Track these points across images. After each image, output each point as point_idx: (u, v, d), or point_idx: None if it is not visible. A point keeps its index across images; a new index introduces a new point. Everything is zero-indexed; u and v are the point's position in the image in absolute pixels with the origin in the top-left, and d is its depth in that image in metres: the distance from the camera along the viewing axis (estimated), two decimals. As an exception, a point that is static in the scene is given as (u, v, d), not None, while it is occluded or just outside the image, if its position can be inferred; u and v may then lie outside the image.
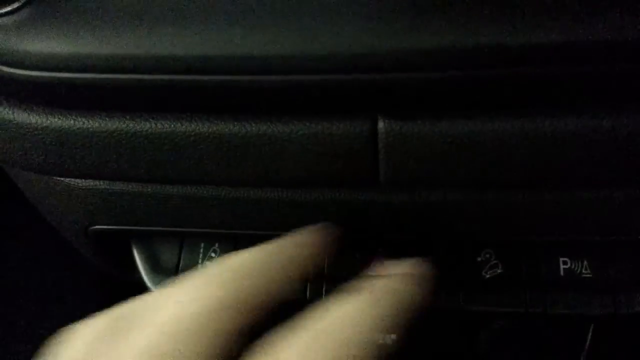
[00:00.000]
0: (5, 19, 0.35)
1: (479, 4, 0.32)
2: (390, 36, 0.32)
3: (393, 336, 0.67)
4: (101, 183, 0.45)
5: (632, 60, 0.31)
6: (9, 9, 0.35)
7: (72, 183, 0.45)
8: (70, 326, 0.29)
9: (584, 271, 0.49)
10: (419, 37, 0.32)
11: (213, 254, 0.52)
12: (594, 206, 0.41)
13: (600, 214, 0.42)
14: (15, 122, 0.39)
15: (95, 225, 0.49)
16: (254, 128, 0.38)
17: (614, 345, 0.63)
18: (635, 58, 0.31)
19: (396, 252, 0.52)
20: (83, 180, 0.45)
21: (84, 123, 0.38)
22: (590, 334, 0.59)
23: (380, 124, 0.37)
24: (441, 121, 0.36)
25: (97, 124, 0.39)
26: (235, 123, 0.38)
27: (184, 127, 0.38)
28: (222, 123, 0.38)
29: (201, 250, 0.52)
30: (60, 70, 0.35)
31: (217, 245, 0.52)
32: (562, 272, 0.49)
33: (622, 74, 0.32)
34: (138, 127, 0.38)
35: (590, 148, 0.36)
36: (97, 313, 0.29)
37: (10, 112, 0.39)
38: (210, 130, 0.38)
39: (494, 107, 0.36)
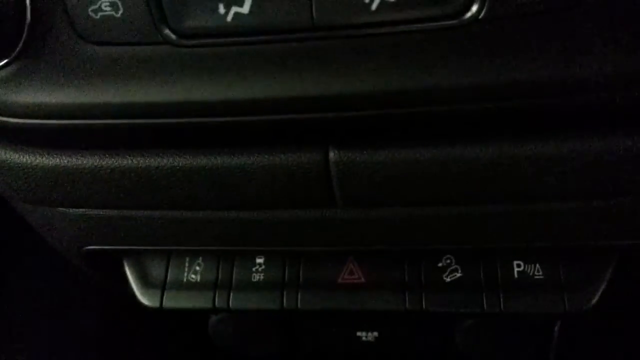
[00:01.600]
0: None
1: (415, 51, 0.36)
2: (338, 83, 0.36)
3: (375, 334, 0.71)
4: (92, 210, 0.50)
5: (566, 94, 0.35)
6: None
7: (65, 211, 0.50)
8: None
9: (536, 273, 0.53)
10: (361, 80, 0.36)
11: (197, 267, 0.57)
12: (545, 217, 0.45)
13: (551, 223, 0.46)
14: (10, 162, 0.44)
15: (88, 246, 0.54)
16: (221, 161, 0.42)
17: (580, 339, 0.67)
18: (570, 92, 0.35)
19: (365, 259, 0.57)
20: (75, 208, 0.50)
21: (69, 161, 0.43)
22: (557, 329, 0.63)
23: (331, 154, 0.41)
24: (386, 150, 0.41)
25: (82, 162, 0.43)
26: (206, 157, 0.42)
27: (160, 162, 0.43)
28: (194, 158, 0.42)
29: (186, 265, 0.57)
30: (46, 118, 0.40)
31: (200, 259, 0.57)
32: (516, 275, 0.53)
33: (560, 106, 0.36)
34: (117, 163, 0.43)
35: (536, 168, 0.40)
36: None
37: (5, 154, 0.44)
38: (183, 164, 0.43)
39: (432, 136, 0.40)
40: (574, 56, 0.33)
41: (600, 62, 0.33)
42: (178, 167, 0.43)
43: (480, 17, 0.34)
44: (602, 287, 0.52)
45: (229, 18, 0.35)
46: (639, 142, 0.38)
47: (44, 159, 0.44)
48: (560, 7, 0.33)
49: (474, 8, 0.34)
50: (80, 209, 0.50)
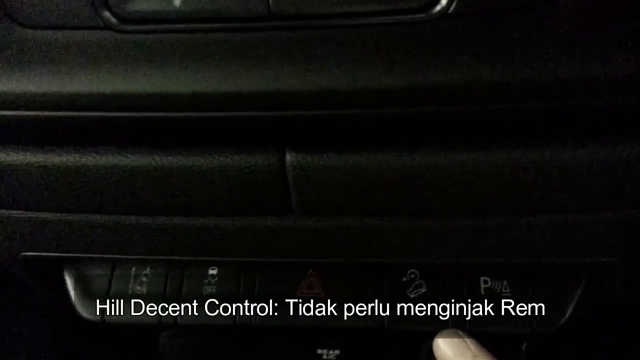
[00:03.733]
0: None
1: (379, 46, 0.33)
2: (293, 78, 0.33)
3: (337, 352, 0.68)
4: (27, 213, 0.45)
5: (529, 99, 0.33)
6: None
7: None
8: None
9: (503, 290, 0.51)
10: (318, 80, 0.33)
11: (144, 278, 0.53)
12: (512, 231, 0.43)
13: (520, 239, 0.44)
14: None
15: (24, 252, 0.49)
16: (167, 161, 0.39)
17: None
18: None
19: (325, 272, 0.54)
20: (8, 210, 0.45)
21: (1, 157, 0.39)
22: (524, 350, 0.61)
23: (288, 157, 0.38)
24: (347, 154, 0.38)
25: (12, 158, 0.39)
26: (149, 156, 0.39)
27: (98, 160, 0.39)
28: (136, 156, 0.39)
29: (132, 275, 0.53)
30: None
31: (148, 269, 0.53)
32: (482, 292, 0.51)
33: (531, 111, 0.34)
34: (51, 161, 0.39)
35: (504, 179, 0.38)
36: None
37: None
38: (124, 163, 0.39)
39: (396, 140, 0.37)
40: (546, 56, 0.31)
41: (572, 64, 0.31)
42: (119, 167, 0.39)
43: (449, 11, 0.31)
44: (572, 306, 0.50)
45: (177, 2, 0.32)
46: (610, 157, 0.37)
47: None
48: (533, 5, 0.31)
49: (443, 1, 0.31)
50: (14, 211, 0.45)
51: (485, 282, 0.51)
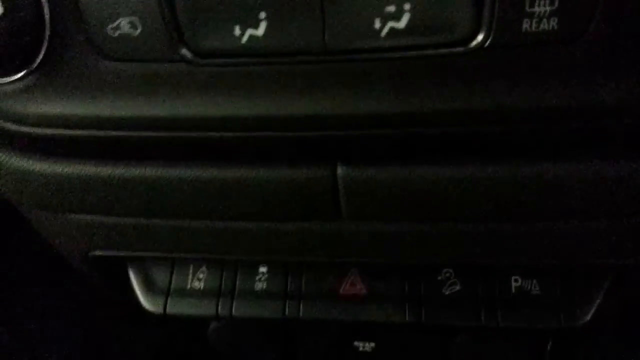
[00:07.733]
0: (13, 85, 0.40)
1: (422, 76, 0.37)
2: (347, 103, 0.37)
3: (372, 344, 0.72)
4: (100, 217, 0.51)
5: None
6: (16, 77, 0.40)
7: (74, 217, 0.51)
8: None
9: (533, 289, 0.55)
10: (370, 102, 0.37)
11: (201, 275, 0.58)
12: (544, 235, 0.47)
13: (549, 241, 0.47)
14: (25, 169, 0.45)
15: (94, 252, 0.55)
16: (232, 173, 0.43)
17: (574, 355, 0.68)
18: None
19: (367, 271, 0.58)
20: (84, 215, 0.51)
21: (82, 170, 0.44)
22: (549, 346, 0.64)
23: (340, 170, 0.42)
24: (393, 167, 0.42)
25: (94, 170, 0.44)
26: (216, 169, 0.44)
27: (170, 173, 0.44)
28: (204, 170, 0.44)
29: (190, 272, 0.58)
30: (60, 128, 0.41)
31: (204, 267, 0.58)
32: (514, 290, 0.55)
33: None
34: (128, 173, 0.44)
35: (537, 189, 0.41)
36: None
37: (18, 161, 0.45)
38: (193, 176, 0.44)
39: (436, 155, 0.41)
40: (576, 86, 0.34)
41: (602, 92, 0.35)
42: (188, 179, 0.44)
43: (486, 45, 0.35)
44: (597, 303, 0.53)
45: (244, 40, 0.36)
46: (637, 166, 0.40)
47: (58, 167, 0.45)
48: (563, 38, 0.34)
49: (480, 37, 0.35)
50: (89, 216, 0.51)
51: (516, 280, 0.55)
